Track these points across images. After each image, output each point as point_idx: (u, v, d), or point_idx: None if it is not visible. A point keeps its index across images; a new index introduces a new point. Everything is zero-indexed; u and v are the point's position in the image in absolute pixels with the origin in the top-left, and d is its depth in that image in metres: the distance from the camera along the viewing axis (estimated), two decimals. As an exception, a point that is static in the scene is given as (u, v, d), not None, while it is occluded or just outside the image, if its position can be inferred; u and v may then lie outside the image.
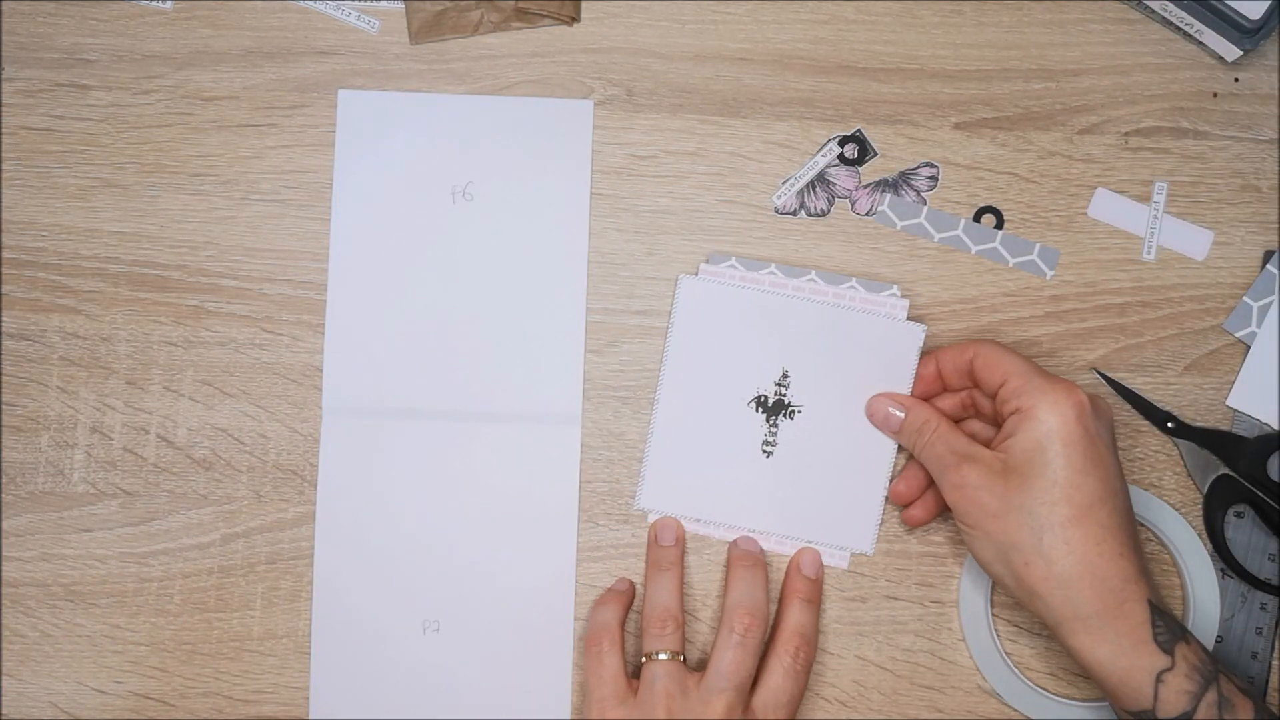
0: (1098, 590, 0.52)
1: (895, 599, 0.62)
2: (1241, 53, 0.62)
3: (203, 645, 0.61)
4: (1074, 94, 0.63)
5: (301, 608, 0.61)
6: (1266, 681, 0.61)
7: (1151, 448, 0.62)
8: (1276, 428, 0.62)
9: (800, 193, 0.63)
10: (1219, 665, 0.53)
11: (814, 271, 0.61)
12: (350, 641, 0.61)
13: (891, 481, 0.61)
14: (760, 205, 0.63)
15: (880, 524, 0.61)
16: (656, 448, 0.61)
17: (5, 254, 0.62)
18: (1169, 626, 0.52)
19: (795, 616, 0.59)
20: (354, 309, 0.62)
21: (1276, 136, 0.63)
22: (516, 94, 0.63)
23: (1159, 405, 0.62)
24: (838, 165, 0.63)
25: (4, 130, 0.63)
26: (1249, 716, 0.51)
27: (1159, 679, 0.51)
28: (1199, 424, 0.62)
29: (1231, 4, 0.60)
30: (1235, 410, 0.62)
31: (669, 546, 0.60)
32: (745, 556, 0.60)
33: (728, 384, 0.61)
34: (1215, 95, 0.64)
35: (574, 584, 0.61)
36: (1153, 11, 0.63)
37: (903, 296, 0.61)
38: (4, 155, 0.63)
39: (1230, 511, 0.61)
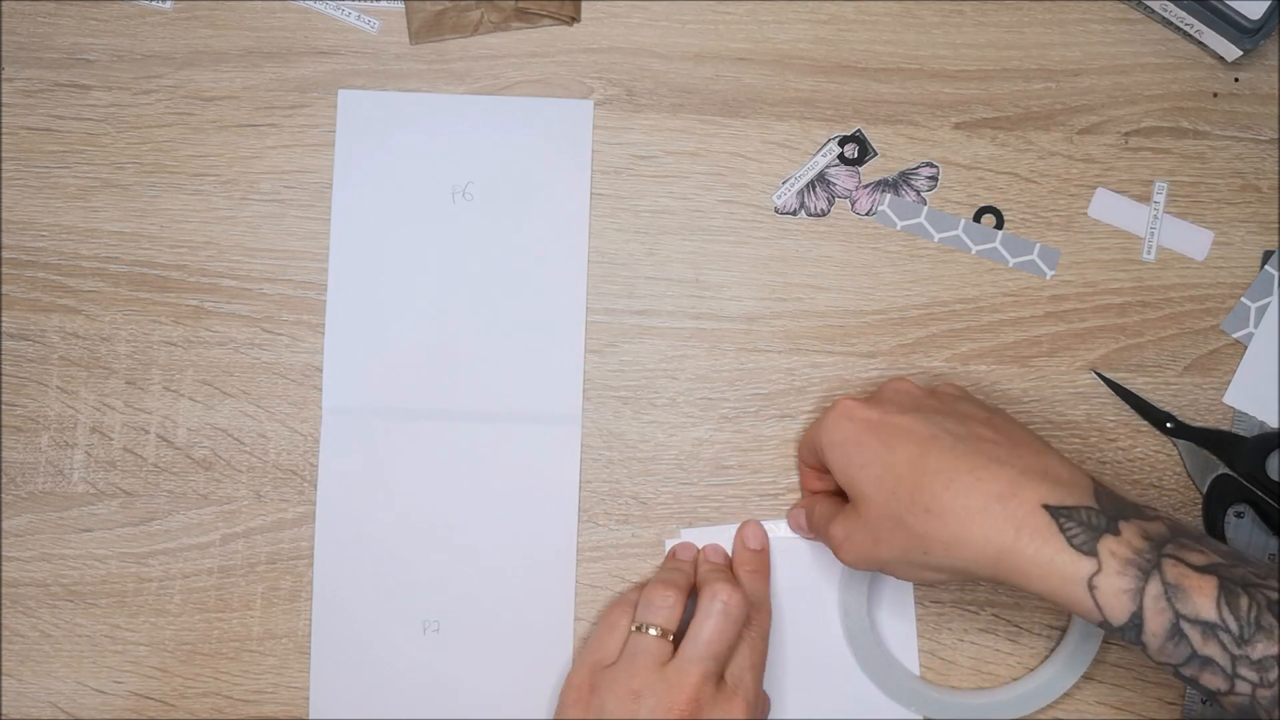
0: (984, 528, 0.48)
1: (895, 599, 0.62)
2: (1241, 53, 0.62)
3: (203, 645, 0.61)
4: (1074, 94, 0.63)
5: (301, 608, 0.61)
6: (1266, 681, 0.61)
7: (1151, 448, 0.62)
8: (1275, 426, 0.62)
9: (800, 193, 0.63)
10: (1165, 546, 0.47)
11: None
12: (350, 641, 0.61)
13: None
14: (760, 205, 0.63)
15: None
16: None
17: (5, 254, 0.62)
18: (1085, 522, 0.47)
19: (747, 587, 0.59)
20: (354, 309, 0.62)
21: (1276, 136, 0.63)
22: (516, 94, 0.63)
23: (1158, 405, 0.62)
24: (838, 165, 0.63)
25: (4, 130, 0.63)
26: (1209, 595, 0.45)
27: (1090, 585, 0.46)
28: (1198, 424, 0.62)
29: (1231, 4, 0.60)
30: (1235, 410, 0.62)
31: (686, 561, 0.61)
32: (749, 560, 0.61)
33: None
34: (1215, 95, 0.64)
35: (574, 584, 0.61)
36: (1153, 11, 0.63)
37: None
38: (4, 155, 0.63)
39: (1230, 511, 0.61)
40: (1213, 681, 0.46)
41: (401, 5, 0.63)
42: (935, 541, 0.50)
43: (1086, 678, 0.61)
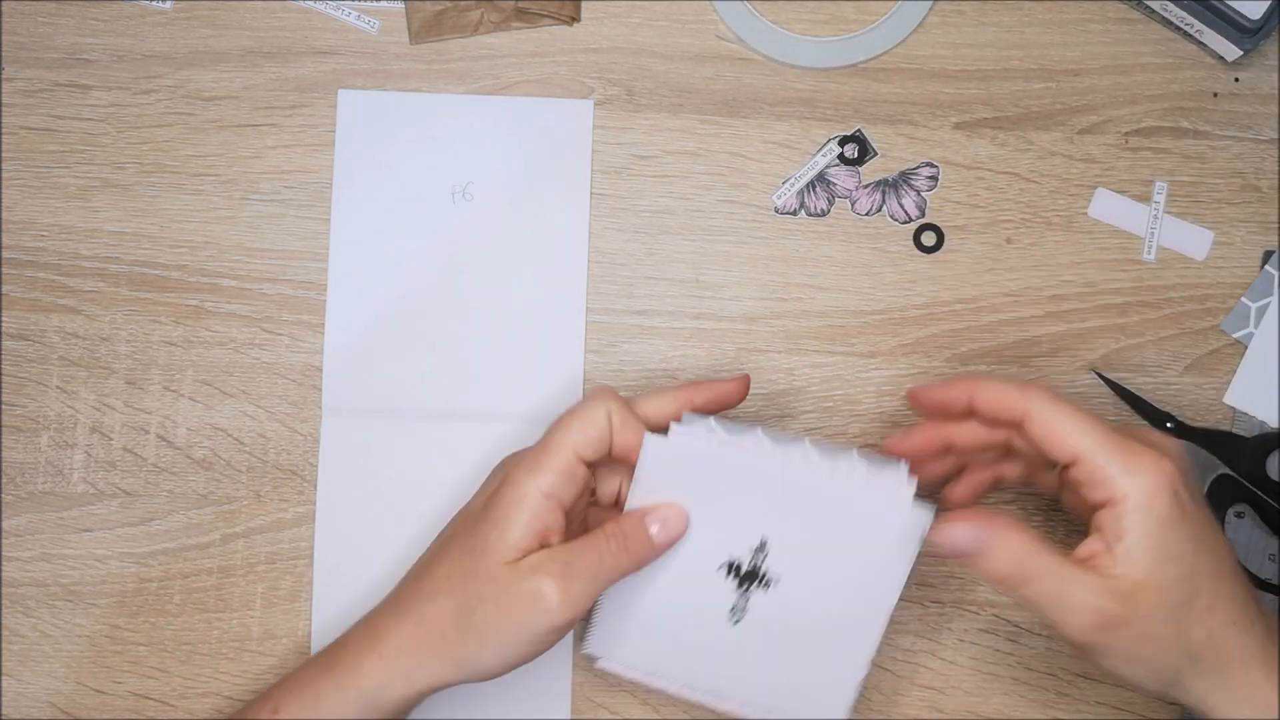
0: (1236, 671, 0.48)
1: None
2: (1241, 53, 0.62)
3: (203, 645, 0.61)
4: (1074, 94, 0.63)
5: (301, 608, 0.61)
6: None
7: (1151, 448, 0.62)
8: (1275, 426, 0.62)
9: (800, 193, 0.63)
10: None
11: (808, 440, 0.52)
12: (350, 641, 0.61)
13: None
14: (760, 205, 0.63)
15: (856, 696, 0.55)
16: (615, 591, 0.54)
17: (5, 254, 0.62)
18: None
19: None
20: (354, 309, 0.62)
21: (1276, 136, 0.63)
22: (516, 94, 0.63)
23: (1158, 406, 0.62)
24: (838, 165, 0.63)
25: (4, 130, 0.63)
26: None
27: None
28: (1198, 424, 0.62)
29: (1231, 4, 0.60)
30: (1235, 410, 0.62)
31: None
32: None
33: (697, 545, 0.54)
34: (1215, 95, 0.64)
35: None
36: (1153, 11, 0.63)
37: (911, 475, 0.52)
38: (4, 155, 0.63)
39: (1231, 512, 0.61)
40: None
41: (401, 5, 0.63)
42: (1203, 666, 0.48)
43: (1086, 677, 0.61)
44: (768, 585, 0.54)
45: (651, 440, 0.52)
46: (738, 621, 0.54)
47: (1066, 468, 0.49)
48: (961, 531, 0.49)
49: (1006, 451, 0.55)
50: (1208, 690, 0.48)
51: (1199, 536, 0.48)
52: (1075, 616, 0.47)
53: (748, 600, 0.54)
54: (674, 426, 0.52)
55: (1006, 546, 0.48)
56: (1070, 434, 0.48)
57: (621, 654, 0.56)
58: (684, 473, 0.53)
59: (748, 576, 0.54)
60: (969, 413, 0.53)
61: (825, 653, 0.54)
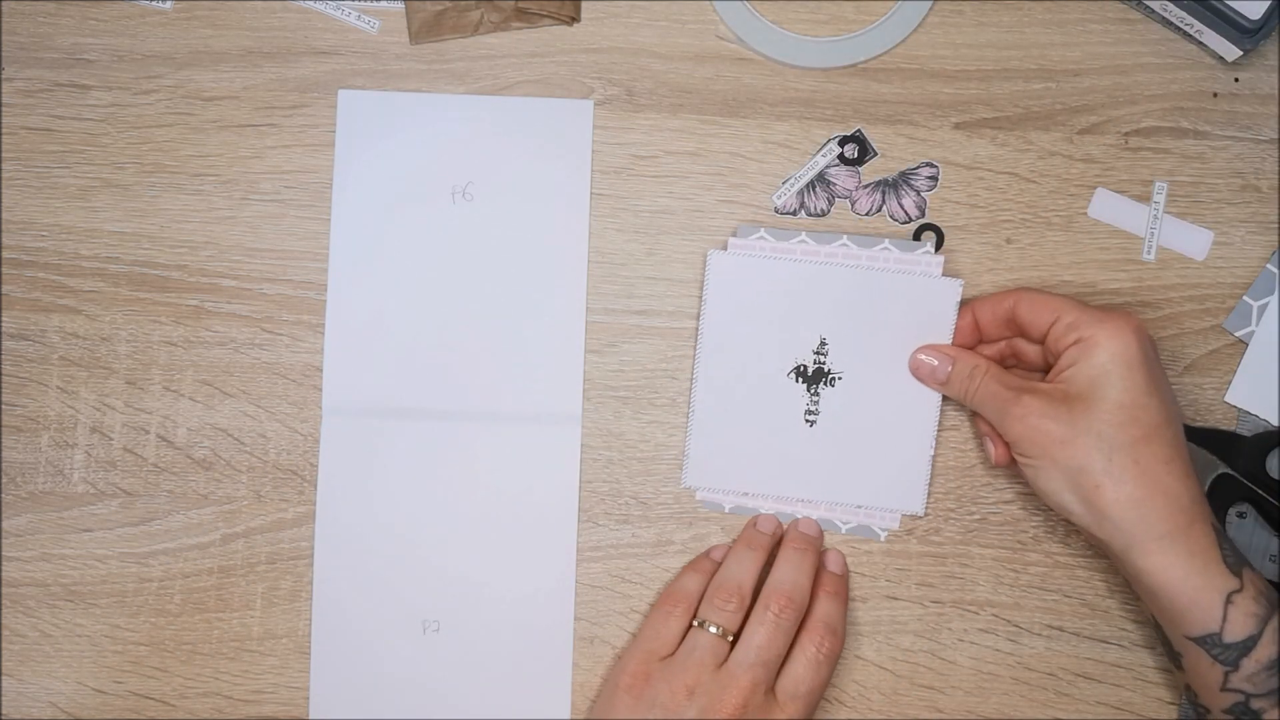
0: (1169, 508, 0.52)
1: (895, 599, 0.62)
2: (1241, 53, 0.62)
3: (203, 645, 0.61)
4: (1074, 94, 0.63)
5: (301, 608, 0.61)
6: (1267, 681, 0.61)
7: (1151, 448, 0.62)
8: (1275, 425, 0.62)
9: (800, 193, 0.63)
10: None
11: (845, 236, 0.61)
12: (350, 642, 0.61)
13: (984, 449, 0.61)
14: (760, 205, 0.63)
15: (929, 483, 0.61)
16: (699, 425, 0.61)
17: (5, 254, 0.62)
18: (1234, 550, 0.53)
19: (822, 608, 0.59)
20: (354, 309, 0.62)
21: (1276, 136, 0.63)
22: (516, 94, 0.63)
23: (1159, 405, 0.62)
24: (838, 165, 0.63)
25: (4, 130, 0.63)
26: None
27: (1229, 600, 0.51)
28: (1199, 424, 0.62)
29: (1231, 4, 0.60)
30: (1239, 409, 0.62)
31: (765, 533, 0.61)
32: (799, 539, 0.60)
33: (766, 356, 0.61)
34: (1215, 95, 0.64)
35: (574, 584, 0.61)
36: (1153, 11, 0.63)
37: (939, 252, 0.61)
38: (4, 155, 0.63)
39: (1232, 511, 0.61)
40: (1276, 717, 0.51)
41: (401, 5, 0.63)
42: (1116, 488, 0.53)
43: (1086, 677, 0.61)
44: (833, 382, 0.60)
45: (714, 255, 0.60)
46: (813, 424, 0.61)
47: (1047, 338, 0.56)
48: (927, 354, 0.60)
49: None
50: (1126, 513, 0.53)
51: (1152, 384, 0.54)
52: (1019, 410, 0.55)
53: (819, 400, 0.61)
54: (730, 240, 0.61)
55: (965, 360, 0.58)
56: (1048, 301, 0.56)
57: (716, 481, 0.62)
58: (743, 284, 0.61)
59: (815, 376, 0.60)
60: (978, 332, 0.60)
61: (895, 444, 0.61)
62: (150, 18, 0.63)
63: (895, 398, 0.61)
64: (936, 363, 0.59)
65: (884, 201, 0.63)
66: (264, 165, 0.63)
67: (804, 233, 0.61)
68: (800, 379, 0.61)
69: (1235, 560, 0.53)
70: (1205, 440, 0.61)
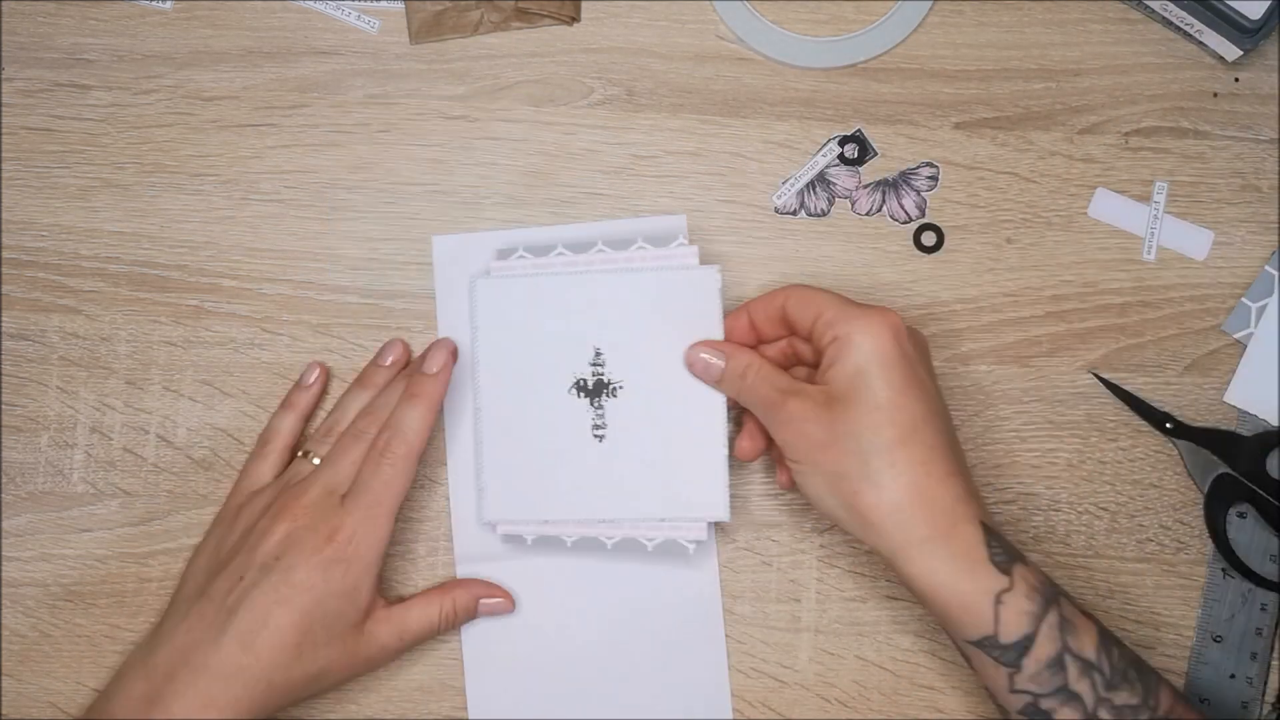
0: (929, 512, 0.51)
1: (895, 599, 0.62)
2: (1241, 52, 0.62)
3: (202, 645, 0.61)
4: (1074, 94, 0.63)
5: (301, 608, 0.61)
6: (1265, 682, 0.61)
7: (1151, 448, 0.62)
8: (1275, 424, 0.62)
9: (800, 193, 0.63)
10: (1059, 587, 0.52)
11: (600, 241, 0.59)
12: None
13: (734, 441, 0.59)
14: (760, 205, 0.63)
15: (729, 485, 0.58)
16: (490, 457, 0.60)
17: (5, 254, 0.62)
18: (1004, 547, 0.51)
19: (397, 412, 0.58)
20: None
21: (1276, 136, 0.63)
22: (516, 94, 0.63)
23: (1157, 406, 0.62)
24: (838, 165, 0.63)
25: (4, 130, 0.63)
26: (1092, 637, 0.50)
27: (998, 600, 0.50)
28: (1199, 424, 0.62)
29: (1231, 4, 0.60)
30: (1240, 409, 0.62)
31: (382, 368, 0.61)
32: (415, 382, 0.58)
33: (545, 376, 0.59)
34: (1215, 95, 0.64)
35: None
36: (1153, 11, 0.63)
37: (691, 243, 0.58)
38: (4, 155, 0.63)
39: (1232, 511, 0.61)
40: (1067, 716, 0.50)
41: (401, 5, 0.63)
42: (876, 493, 0.51)
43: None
44: (615, 392, 0.59)
45: (479, 282, 0.60)
46: (602, 438, 0.59)
47: (811, 336, 0.55)
48: (702, 351, 0.57)
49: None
50: (886, 518, 0.52)
51: (909, 383, 0.52)
52: (784, 415, 0.53)
53: (603, 414, 0.59)
54: (492, 265, 0.60)
55: (737, 358, 0.56)
56: (813, 298, 0.55)
57: (516, 513, 0.60)
58: (512, 307, 0.60)
59: (596, 389, 0.59)
60: (755, 332, 0.58)
61: (687, 449, 0.58)
62: (150, 18, 0.63)
63: (679, 401, 0.58)
64: (710, 359, 0.57)
65: (884, 201, 0.63)
66: (264, 165, 0.63)
67: (560, 244, 0.60)
68: (582, 393, 0.59)
69: (1005, 558, 0.51)
70: (1206, 440, 0.61)
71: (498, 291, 0.60)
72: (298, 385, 0.61)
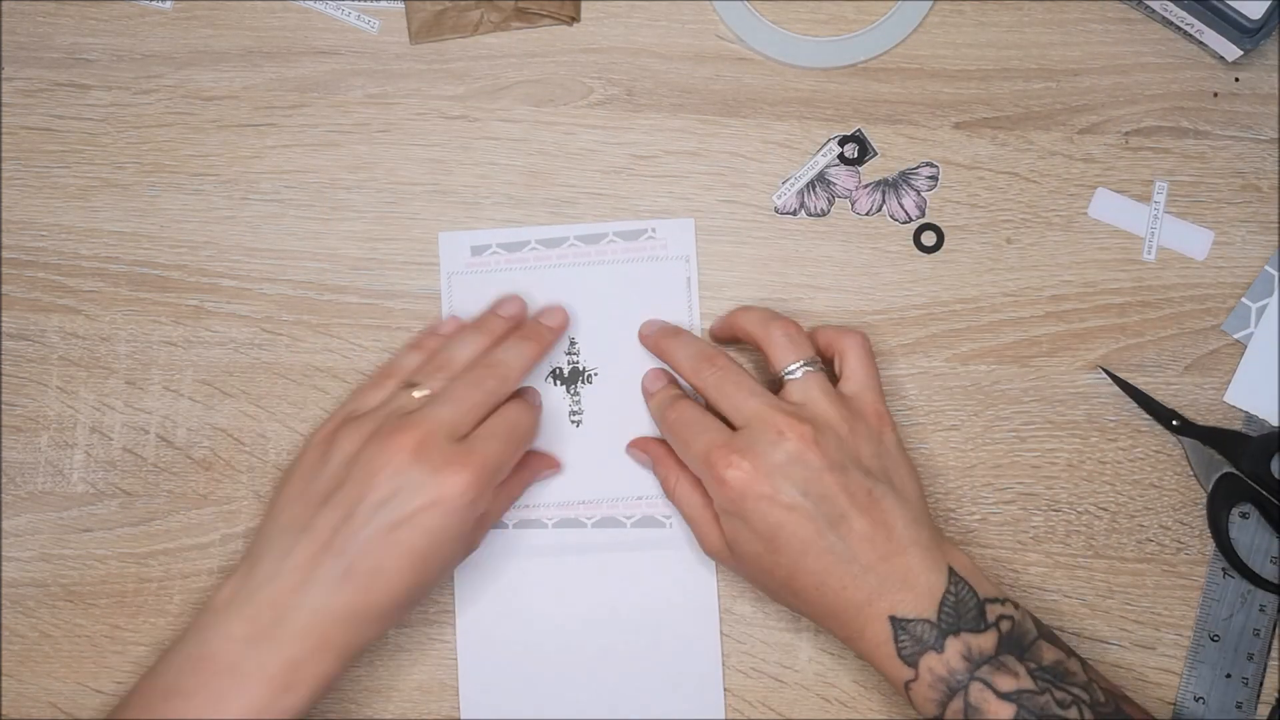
0: (836, 622, 0.54)
1: (895, 599, 0.62)
2: (1242, 52, 0.62)
3: (202, 645, 0.61)
4: (1074, 94, 0.63)
5: (301, 608, 0.61)
6: (1261, 683, 0.61)
7: (1152, 448, 0.62)
8: (1277, 424, 0.61)
9: (800, 193, 0.63)
10: (981, 667, 0.52)
11: (572, 235, 0.62)
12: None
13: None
14: (760, 205, 0.63)
15: None
16: None
17: (5, 254, 0.62)
18: (918, 637, 0.52)
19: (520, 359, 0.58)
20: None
21: (1276, 136, 0.63)
22: (516, 94, 0.63)
23: (1163, 404, 0.62)
24: (838, 165, 0.63)
25: (4, 130, 0.63)
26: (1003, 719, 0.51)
27: (906, 688, 0.53)
28: (1204, 423, 0.62)
29: (1232, 4, 0.60)
30: (1239, 410, 0.62)
31: (502, 318, 0.60)
32: (531, 328, 0.59)
33: None
34: (1215, 95, 0.64)
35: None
36: (1153, 11, 0.63)
37: (658, 236, 0.62)
38: (4, 155, 0.63)
39: (1235, 511, 0.61)
40: None
41: (401, 5, 0.63)
42: (798, 606, 0.56)
43: (1087, 678, 0.61)
44: (590, 379, 0.61)
45: (455, 278, 0.62)
46: (579, 424, 0.61)
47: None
48: (633, 449, 0.61)
49: None
50: (817, 620, 0.55)
51: (793, 516, 0.53)
52: (705, 533, 0.57)
53: (580, 400, 0.61)
54: (468, 260, 0.62)
55: (661, 471, 0.59)
56: (746, 333, 0.59)
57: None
58: (486, 301, 0.61)
59: (572, 377, 0.61)
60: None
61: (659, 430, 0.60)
62: (150, 18, 0.63)
63: None
64: (644, 455, 0.60)
65: (884, 201, 0.63)
66: (264, 165, 0.63)
67: (533, 239, 0.62)
68: (558, 381, 0.61)
69: (914, 649, 0.52)
70: (1211, 439, 0.61)
71: (472, 285, 0.62)
72: (431, 330, 0.61)
